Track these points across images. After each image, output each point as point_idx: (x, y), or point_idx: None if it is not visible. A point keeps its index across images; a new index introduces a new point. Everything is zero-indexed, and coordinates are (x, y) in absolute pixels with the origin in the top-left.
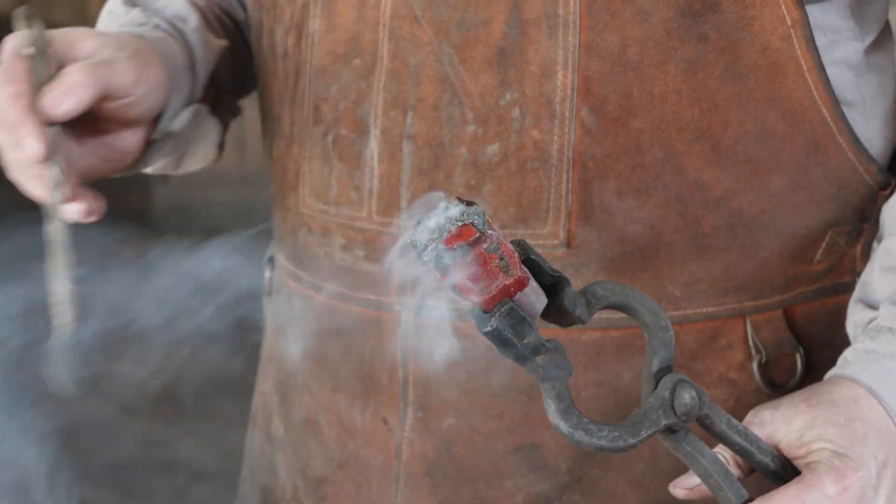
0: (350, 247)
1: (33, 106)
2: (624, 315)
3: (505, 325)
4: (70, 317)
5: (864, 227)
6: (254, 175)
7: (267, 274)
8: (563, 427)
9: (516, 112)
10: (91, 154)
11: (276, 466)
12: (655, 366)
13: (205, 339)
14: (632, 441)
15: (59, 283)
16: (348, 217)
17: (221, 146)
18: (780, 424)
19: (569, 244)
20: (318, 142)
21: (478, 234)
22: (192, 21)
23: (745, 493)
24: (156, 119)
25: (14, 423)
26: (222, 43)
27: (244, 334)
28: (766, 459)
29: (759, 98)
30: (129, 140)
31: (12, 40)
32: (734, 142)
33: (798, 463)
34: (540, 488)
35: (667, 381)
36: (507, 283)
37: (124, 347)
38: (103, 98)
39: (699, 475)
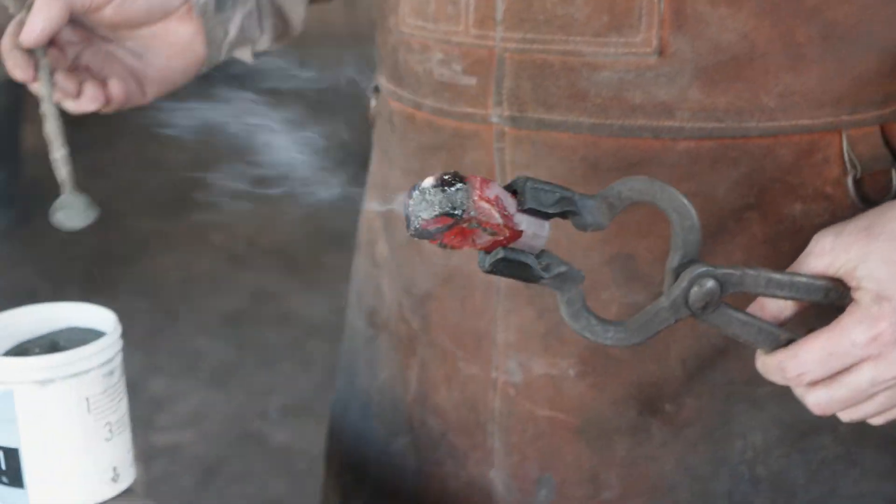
0: (448, 61)
1: (15, 45)
2: (719, 124)
3: (500, 267)
4: (67, 176)
5: None
6: (364, 32)
7: (373, 102)
8: (574, 326)
9: None
10: (155, 63)
11: (381, 287)
12: (675, 261)
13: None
14: (635, 340)
15: (56, 148)
16: (446, 32)
17: None
18: (840, 252)
19: (661, 53)
20: None
21: (452, 221)
22: None
23: (780, 339)
24: None
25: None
26: None
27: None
28: (818, 297)
29: None
30: (180, 30)
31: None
32: None
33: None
34: (633, 299)
35: (684, 277)
36: (497, 240)
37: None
38: (87, 8)
39: (733, 336)
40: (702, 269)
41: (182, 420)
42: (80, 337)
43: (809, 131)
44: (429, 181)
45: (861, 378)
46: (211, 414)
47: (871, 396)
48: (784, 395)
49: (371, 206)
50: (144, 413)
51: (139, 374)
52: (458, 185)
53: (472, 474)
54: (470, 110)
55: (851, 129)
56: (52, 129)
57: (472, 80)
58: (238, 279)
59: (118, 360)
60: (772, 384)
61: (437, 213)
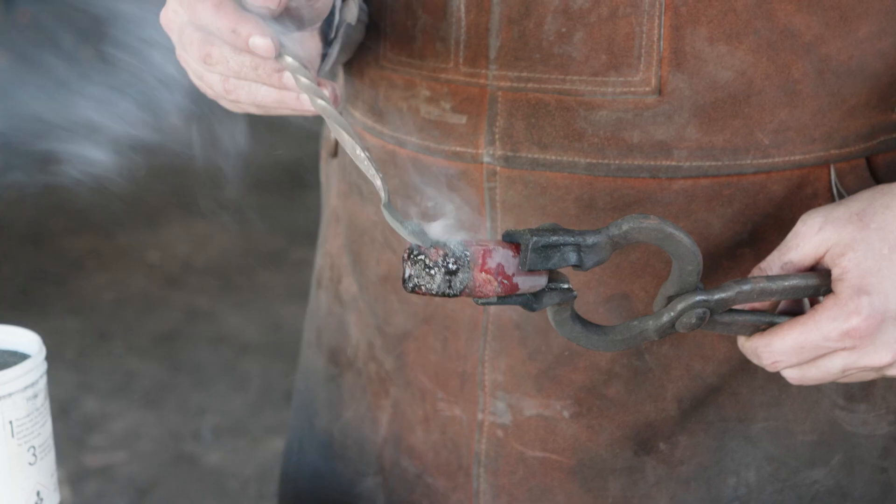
0: (436, 99)
1: (240, 9)
2: (715, 162)
3: (491, 303)
4: (378, 176)
5: None
6: None
7: (332, 135)
8: (559, 331)
9: None
10: None
11: (347, 326)
12: (671, 291)
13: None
14: (617, 349)
15: (356, 153)
16: (434, 69)
17: None
18: (831, 233)
19: (660, 91)
20: None
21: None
22: None
23: (760, 325)
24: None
25: None
26: None
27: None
28: (809, 294)
29: None
30: (311, 46)
31: None
32: None
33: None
34: None
35: (675, 304)
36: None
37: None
38: None
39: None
40: (696, 298)
41: (114, 441)
42: (4, 360)
43: (801, 166)
44: (426, 257)
45: (833, 365)
46: (144, 434)
47: (843, 377)
48: (777, 431)
49: (335, 244)
50: (76, 433)
51: (71, 394)
52: (461, 258)
53: None
54: (459, 149)
55: (840, 162)
56: (335, 117)
57: (462, 119)
58: (172, 299)
59: (42, 383)
60: (765, 420)
61: (435, 291)
